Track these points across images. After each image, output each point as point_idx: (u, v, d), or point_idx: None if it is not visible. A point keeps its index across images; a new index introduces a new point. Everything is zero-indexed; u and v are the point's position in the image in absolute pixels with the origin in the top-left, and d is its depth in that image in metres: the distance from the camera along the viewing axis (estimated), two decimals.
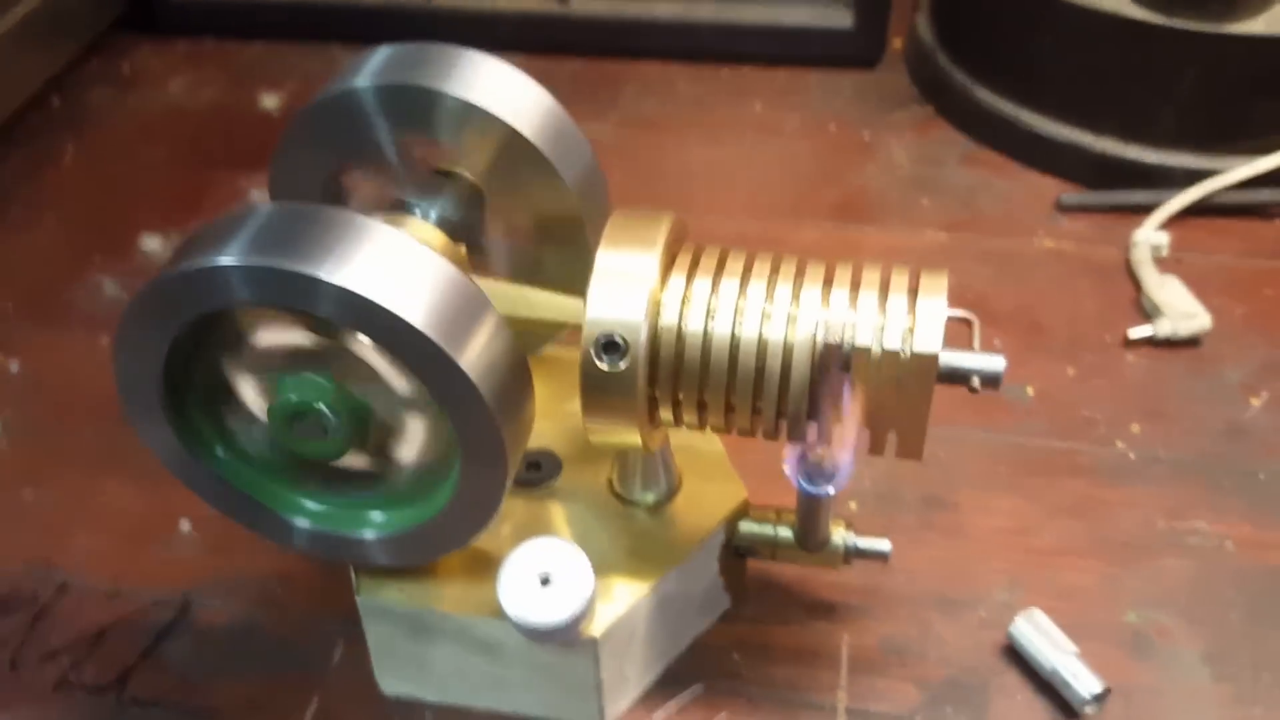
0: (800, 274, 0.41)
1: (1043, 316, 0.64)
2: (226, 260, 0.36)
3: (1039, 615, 0.48)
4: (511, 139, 0.45)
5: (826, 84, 0.84)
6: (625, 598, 0.44)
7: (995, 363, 0.40)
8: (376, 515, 0.43)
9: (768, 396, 0.40)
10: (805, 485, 0.42)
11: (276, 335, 0.40)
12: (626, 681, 0.46)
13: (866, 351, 0.39)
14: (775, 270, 0.41)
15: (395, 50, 0.46)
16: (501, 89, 0.45)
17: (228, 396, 0.42)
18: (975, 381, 0.40)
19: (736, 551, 0.49)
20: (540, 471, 0.49)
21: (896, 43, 0.87)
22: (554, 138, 0.46)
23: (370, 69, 0.45)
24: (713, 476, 0.49)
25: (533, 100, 0.46)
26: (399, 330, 0.36)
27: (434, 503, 0.42)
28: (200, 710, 0.48)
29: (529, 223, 0.48)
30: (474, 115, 0.45)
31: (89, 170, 0.80)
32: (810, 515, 0.45)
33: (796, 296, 0.40)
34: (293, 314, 0.39)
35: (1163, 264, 0.66)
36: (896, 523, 0.54)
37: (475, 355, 0.37)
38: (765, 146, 0.79)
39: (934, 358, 0.39)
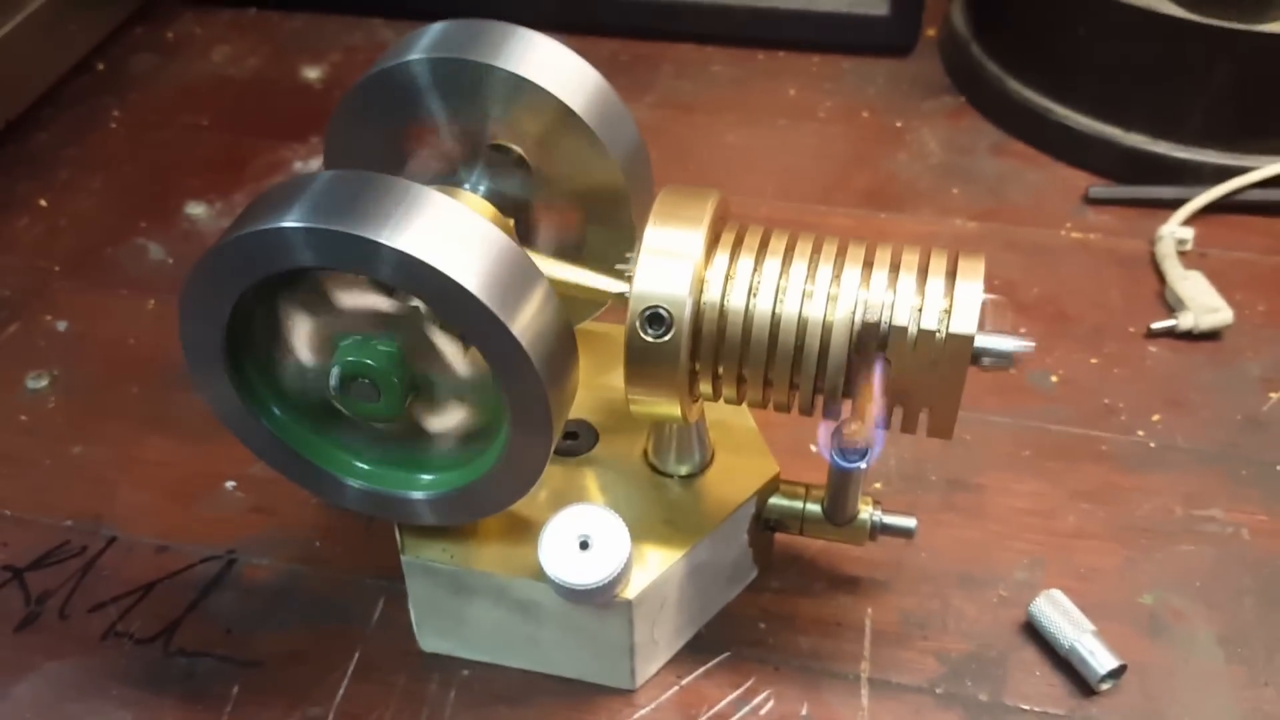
0: (841, 255, 0.42)
1: (1068, 306, 0.65)
2: (289, 223, 0.37)
3: (1058, 595, 0.49)
4: (562, 114, 0.46)
5: (860, 71, 0.85)
6: (658, 563, 0.46)
7: (1023, 345, 0.42)
8: (424, 477, 0.45)
9: (805, 373, 0.42)
10: (838, 460, 0.43)
11: (343, 298, 0.41)
12: (657, 645, 0.48)
13: (903, 331, 0.40)
14: (817, 251, 0.42)
15: (448, 26, 0.47)
16: (553, 64, 0.47)
17: (286, 356, 0.43)
18: (984, 361, 0.41)
19: (766, 524, 0.50)
20: (577, 441, 0.50)
21: (930, 32, 0.88)
22: (602, 114, 0.47)
23: (424, 44, 0.46)
24: (745, 451, 0.50)
25: (583, 77, 0.47)
26: (454, 294, 0.37)
27: (480, 465, 0.43)
28: (245, 661, 0.50)
29: (575, 199, 0.50)
30: (525, 89, 0.46)
31: (134, 135, 0.82)
32: (840, 490, 0.46)
33: (837, 277, 0.41)
34: (358, 278, 0.40)
35: (1187, 259, 0.67)
36: (920, 502, 0.55)
37: (526, 321, 0.39)
38: (798, 131, 0.80)
39: (969, 339, 0.40)
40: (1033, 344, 0.42)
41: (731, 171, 0.76)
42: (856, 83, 0.84)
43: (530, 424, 0.41)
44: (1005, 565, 0.53)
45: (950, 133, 0.79)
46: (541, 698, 0.48)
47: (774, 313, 0.41)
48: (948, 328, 0.40)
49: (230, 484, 0.57)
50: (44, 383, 0.63)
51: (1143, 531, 0.54)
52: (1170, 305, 0.65)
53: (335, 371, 0.41)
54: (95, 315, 0.67)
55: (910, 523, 0.49)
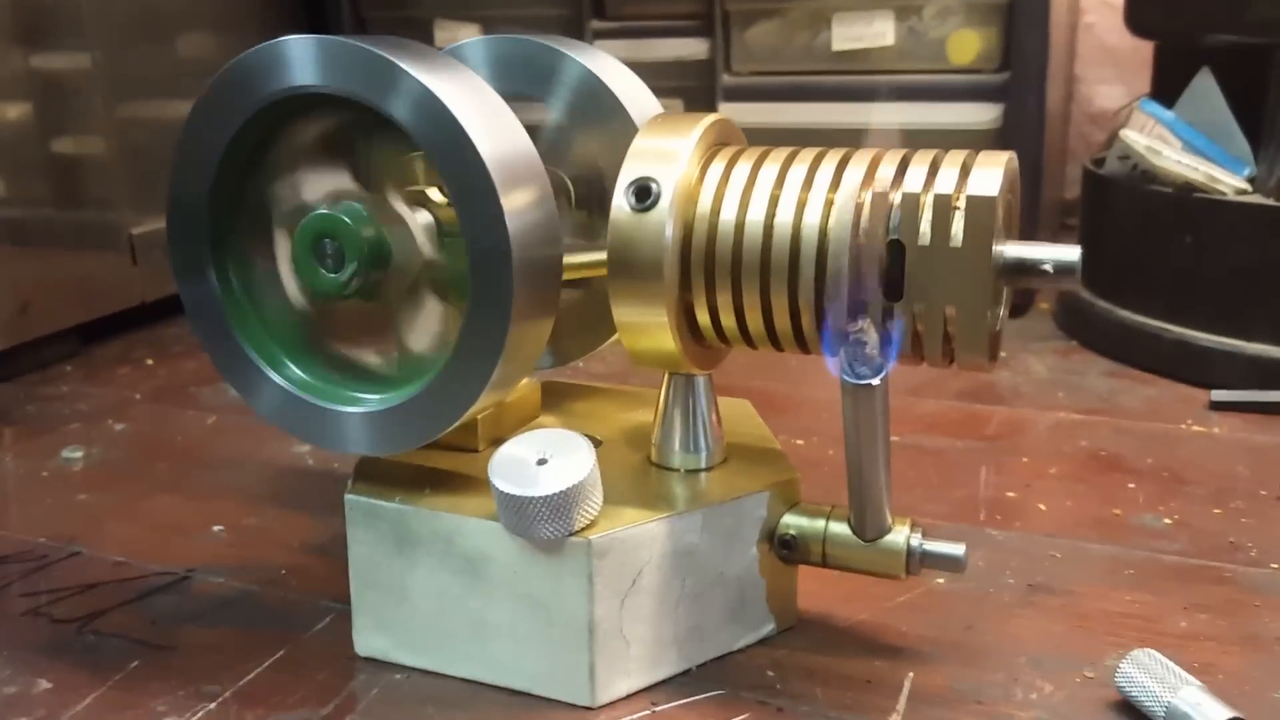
0: (844, 163, 0.38)
1: (1187, 474, 0.57)
2: (300, 36, 0.37)
3: (1150, 653, 0.38)
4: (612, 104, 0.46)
5: None
6: (631, 519, 0.38)
7: (1069, 252, 0.36)
8: (362, 395, 0.40)
9: (804, 274, 0.37)
10: (848, 375, 0.36)
11: (324, 176, 0.41)
12: (628, 647, 0.39)
13: (915, 203, 0.36)
14: (819, 158, 0.39)
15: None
16: (612, 67, 0.47)
17: (264, 232, 0.41)
18: (1048, 267, 0.36)
19: (782, 543, 0.42)
20: None
21: (1043, 305, 0.86)
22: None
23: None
24: (761, 459, 0.43)
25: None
26: (460, 148, 0.36)
27: (423, 378, 0.39)
28: (157, 645, 0.43)
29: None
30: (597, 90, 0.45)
31: None
32: (857, 433, 0.38)
33: (837, 183, 0.38)
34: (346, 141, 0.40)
35: None
36: (991, 599, 0.45)
37: (518, 207, 0.37)
38: None
39: (991, 202, 0.35)
40: (1078, 249, 0.36)
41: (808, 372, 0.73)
42: None
43: (484, 321, 0.37)
44: (1094, 652, 0.41)
45: (1058, 361, 0.74)
46: (482, 706, 0.39)
47: (768, 214, 0.38)
48: (965, 194, 0.35)
49: (218, 528, 0.53)
50: (78, 454, 0.62)
51: (1276, 640, 0.42)
52: None
53: (308, 227, 0.39)
54: (155, 422, 0.67)
55: (958, 550, 0.40)
